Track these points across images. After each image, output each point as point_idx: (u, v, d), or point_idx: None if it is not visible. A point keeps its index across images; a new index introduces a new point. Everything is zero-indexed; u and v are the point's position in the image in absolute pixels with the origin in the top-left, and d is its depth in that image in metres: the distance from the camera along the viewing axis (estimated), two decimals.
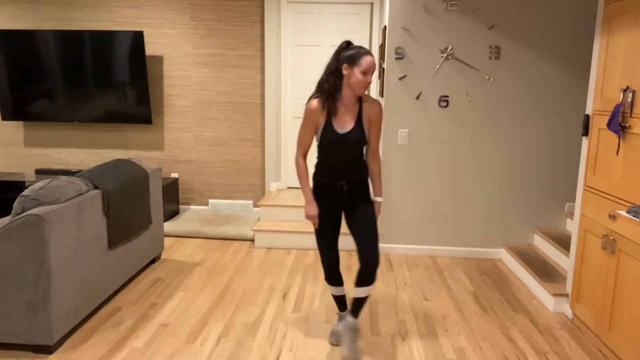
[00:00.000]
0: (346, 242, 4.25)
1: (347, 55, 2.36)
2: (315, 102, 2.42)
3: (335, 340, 2.70)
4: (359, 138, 2.42)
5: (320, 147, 2.48)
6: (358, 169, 2.51)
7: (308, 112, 2.42)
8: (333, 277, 2.60)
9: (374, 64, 2.32)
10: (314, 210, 2.47)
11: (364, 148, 2.54)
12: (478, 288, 3.53)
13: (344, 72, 2.36)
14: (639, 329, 2.34)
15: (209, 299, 3.24)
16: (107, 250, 2.98)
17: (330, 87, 2.41)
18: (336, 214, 2.54)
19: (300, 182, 2.50)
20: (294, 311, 3.09)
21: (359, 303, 2.48)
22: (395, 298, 3.33)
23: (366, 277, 2.40)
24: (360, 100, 2.44)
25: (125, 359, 2.50)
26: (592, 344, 2.77)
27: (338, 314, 2.79)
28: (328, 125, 2.40)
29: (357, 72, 2.31)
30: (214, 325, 2.88)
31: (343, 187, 2.48)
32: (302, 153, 2.50)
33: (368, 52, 2.34)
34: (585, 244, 2.90)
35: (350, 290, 3.21)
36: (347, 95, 2.40)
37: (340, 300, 2.71)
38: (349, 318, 2.49)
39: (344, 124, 2.41)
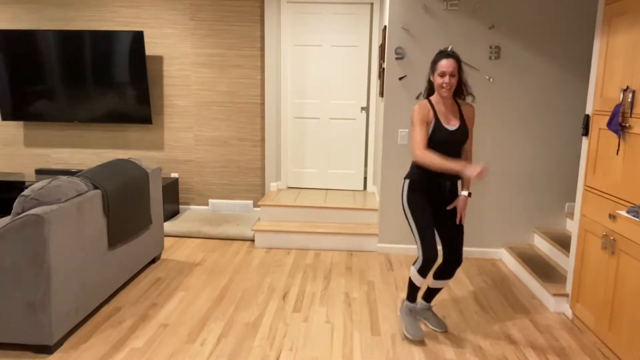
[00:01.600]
0: (346, 242, 4.25)
1: (431, 62, 2.59)
2: (421, 103, 2.61)
3: (416, 334, 2.73)
4: (465, 134, 2.60)
5: (430, 145, 2.58)
6: None
7: (417, 112, 2.56)
8: (429, 270, 2.69)
9: (449, 65, 2.47)
10: (473, 168, 2.32)
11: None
12: (478, 288, 3.53)
13: (431, 78, 2.61)
14: (639, 329, 2.34)
15: (209, 299, 3.24)
16: (107, 250, 2.98)
17: (425, 92, 2.70)
18: (433, 209, 2.69)
19: (443, 165, 2.43)
20: (294, 311, 3.09)
21: (435, 292, 2.86)
22: (395, 298, 3.33)
23: (448, 274, 2.73)
24: (457, 103, 2.64)
25: (125, 359, 2.50)
26: (592, 344, 2.77)
27: (408, 305, 2.84)
28: (437, 123, 2.57)
29: (436, 76, 2.53)
30: (214, 325, 2.88)
31: (447, 186, 2.66)
32: (424, 147, 2.54)
33: (446, 55, 2.50)
34: (585, 244, 2.90)
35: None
36: (442, 98, 2.59)
37: (415, 291, 2.81)
38: (423, 302, 2.91)
39: (450, 122, 2.59)
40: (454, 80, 2.50)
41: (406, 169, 4.08)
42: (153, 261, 3.84)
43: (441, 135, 2.56)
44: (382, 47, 4.45)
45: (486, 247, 4.17)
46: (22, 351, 2.54)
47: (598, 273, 2.73)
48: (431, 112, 2.57)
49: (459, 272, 3.81)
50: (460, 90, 2.61)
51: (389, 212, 4.17)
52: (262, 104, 5.05)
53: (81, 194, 2.75)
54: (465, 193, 2.67)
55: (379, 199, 4.36)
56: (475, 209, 4.11)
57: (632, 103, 2.46)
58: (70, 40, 4.85)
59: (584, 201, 2.93)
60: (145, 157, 5.24)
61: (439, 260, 3.70)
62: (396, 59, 3.94)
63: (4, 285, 2.41)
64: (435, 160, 2.46)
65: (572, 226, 3.63)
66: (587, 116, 2.92)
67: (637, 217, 2.31)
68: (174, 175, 5.25)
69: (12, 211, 2.50)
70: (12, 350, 2.55)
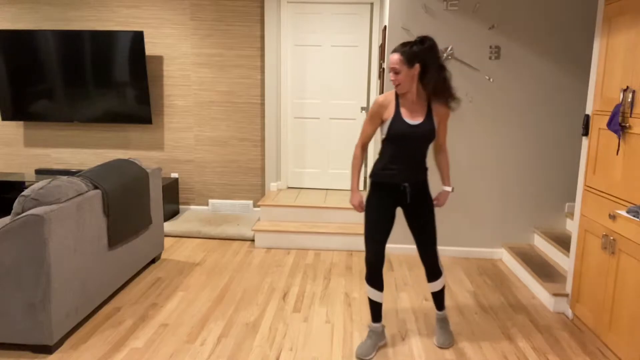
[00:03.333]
0: (346, 242, 4.25)
1: None
2: (387, 93, 2.49)
3: (364, 353, 2.54)
4: (429, 130, 2.42)
5: (389, 140, 2.47)
6: (420, 170, 2.52)
7: (374, 104, 2.47)
8: (375, 276, 2.52)
9: (391, 61, 2.35)
10: (355, 199, 2.57)
11: (429, 147, 2.53)
12: (478, 288, 3.53)
13: None
14: (639, 329, 2.34)
15: (209, 299, 3.24)
16: (107, 250, 2.98)
17: None
18: (393, 211, 2.54)
19: (352, 171, 2.59)
20: (294, 311, 3.09)
21: (437, 296, 2.69)
22: (395, 298, 3.33)
23: (432, 273, 2.64)
24: (429, 98, 2.44)
25: (125, 359, 2.50)
26: (592, 344, 2.77)
27: (370, 326, 2.65)
28: (397, 115, 2.41)
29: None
30: (214, 325, 2.88)
31: (406, 189, 2.50)
32: (362, 144, 2.56)
33: (392, 51, 2.38)
34: (585, 244, 2.90)
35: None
36: (405, 100, 2.44)
37: (376, 309, 2.59)
38: (438, 312, 2.73)
39: (413, 116, 2.42)
40: (400, 77, 2.33)
41: None
42: (153, 261, 3.84)
43: (399, 128, 2.39)
44: (382, 47, 4.45)
45: (486, 247, 4.17)
46: (22, 351, 2.54)
47: (598, 273, 2.73)
48: (392, 105, 2.42)
49: (459, 272, 3.81)
50: (438, 93, 2.38)
51: None
52: (262, 104, 5.05)
53: (81, 194, 2.75)
54: (448, 188, 2.64)
55: None
56: (476, 209, 4.11)
57: (632, 103, 2.46)
58: (70, 40, 4.85)
59: (584, 201, 2.93)
60: (145, 157, 5.24)
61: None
62: None
63: (4, 285, 2.41)
64: (353, 163, 2.57)
65: (572, 226, 3.63)
66: (587, 116, 2.92)
67: (637, 217, 2.31)
68: (174, 175, 5.25)
69: (12, 211, 2.50)
70: (12, 350, 2.55)
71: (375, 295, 2.56)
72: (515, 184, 4.06)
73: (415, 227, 2.59)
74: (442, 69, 2.35)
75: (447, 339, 2.71)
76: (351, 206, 4.43)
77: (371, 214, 2.52)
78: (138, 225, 3.34)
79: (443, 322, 2.74)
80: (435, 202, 2.65)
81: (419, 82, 2.37)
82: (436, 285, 2.66)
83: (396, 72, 2.34)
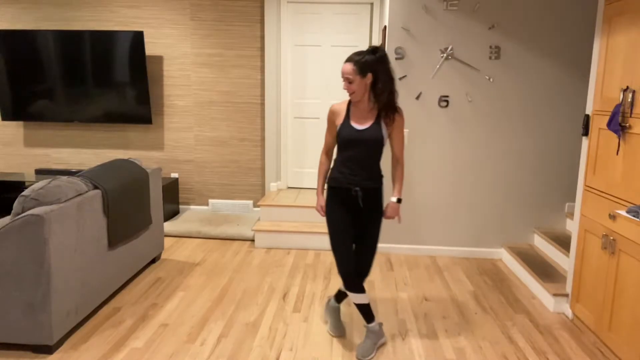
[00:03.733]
0: None
1: None
2: (335, 104, 2.57)
3: (363, 354, 2.55)
4: (376, 135, 2.45)
5: (339, 144, 2.53)
6: (371, 176, 2.52)
7: (329, 111, 2.57)
8: (353, 282, 2.51)
9: (344, 70, 2.39)
10: (317, 203, 2.67)
11: (380, 152, 2.53)
12: (478, 288, 3.53)
13: None
14: (639, 329, 2.34)
15: (209, 299, 3.24)
16: (107, 250, 2.98)
17: None
18: (350, 215, 2.55)
19: (318, 178, 2.70)
20: (294, 311, 3.09)
21: (360, 309, 2.59)
22: (395, 298, 3.33)
23: (352, 285, 2.52)
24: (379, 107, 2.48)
25: (125, 359, 2.50)
26: (592, 344, 2.77)
27: (366, 327, 2.64)
28: (346, 121, 2.49)
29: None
30: (214, 325, 2.88)
31: (357, 193, 2.50)
32: (325, 151, 2.68)
33: (346, 60, 2.41)
34: (585, 244, 2.90)
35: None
36: (357, 107, 2.51)
37: (365, 309, 2.59)
38: (333, 299, 2.81)
39: (361, 122, 2.47)
40: (353, 86, 2.38)
41: (406, 168, 4.08)
42: (153, 261, 3.84)
43: (346, 133, 2.45)
44: None
45: (486, 247, 4.17)
46: (22, 351, 2.54)
47: (598, 273, 2.73)
48: (344, 112, 2.51)
49: (459, 272, 3.81)
50: (389, 103, 2.44)
51: None
52: (262, 104, 5.05)
53: (81, 194, 2.75)
54: (394, 199, 2.57)
55: None
56: (476, 209, 4.11)
57: (632, 103, 2.46)
58: (70, 40, 4.85)
59: (584, 201, 2.93)
60: (145, 157, 5.24)
61: None
62: (396, 59, 3.94)
63: (4, 285, 2.41)
64: (318, 169, 2.67)
65: (572, 226, 3.63)
66: (587, 116, 2.92)
67: (637, 217, 2.31)
68: (174, 175, 5.25)
69: (12, 211, 2.50)
70: (12, 350, 2.55)
71: (359, 298, 2.53)
72: (515, 184, 4.06)
73: (360, 234, 2.56)
74: (391, 80, 2.41)
75: (366, 351, 2.55)
76: None
77: (330, 219, 2.54)
78: (138, 225, 3.34)
79: (369, 335, 2.61)
80: (384, 214, 2.60)
81: (371, 90, 2.44)
82: (356, 299, 2.54)
83: (350, 82, 2.39)
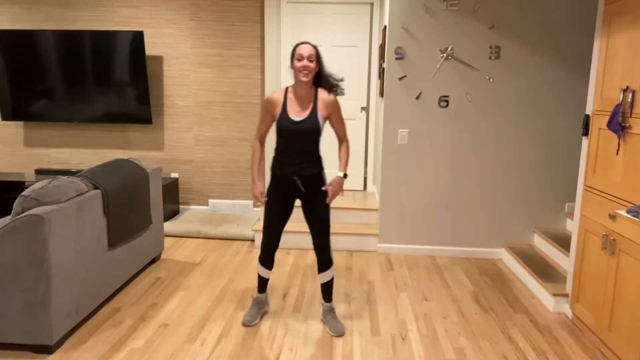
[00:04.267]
0: (346, 242, 4.25)
1: (291, 52, 2.63)
2: (272, 94, 2.69)
3: (249, 320, 2.87)
4: (313, 126, 2.60)
5: (277, 135, 2.67)
6: (310, 163, 2.68)
7: (265, 100, 2.69)
8: (268, 259, 2.85)
9: (307, 49, 2.54)
10: (256, 189, 2.74)
11: (318, 141, 2.69)
12: (478, 288, 3.53)
13: (290, 68, 2.63)
14: (639, 329, 2.34)
15: (209, 299, 3.24)
16: (107, 250, 2.98)
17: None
18: (286, 205, 2.75)
19: (251, 164, 2.77)
20: (294, 311, 3.09)
21: (326, 287, 2.88)
22: (395, 298, 3.33)
23: (323, 264, 2.79)
24: (316, 93, 2.66)
25: (125, 359, 2.50)
26: (592, 344, 2.77)
27: (253, 297, 2.98)
28: (283, 112, 2.62)
29: (295, 62, 2.56)
30: (214, 325, 2.88)
31: (296, 181, 2.68)
32: (259, 138, 2.79)
33: (305, 42, 2.59)
34: (585, 244, 2.90)
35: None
36: (298, 87, 2.63)
37: (263, 283, 2.94)
38: (325, 303, 2.90)
39: (298, 112, 2.62)
40: (313, 65, 2.55)
41: (406, 169, 4.09)
42: (153, 261, 3.84)
43: (284, 125, 2.60)
44: (382, 47, 4.45)
45: (486, 247, 4.17)
46: (22, 351, 2.54)
47: (598, 273, 2.73)
48: (281, 102, 2.63)
49: (459, 272, 3.81)
50: (326, 83, 2.65)
51: (389, 212, 4.17)
52: None
53: (81, 194, 2.75)
54: (340, 174, 2.70)
55: (379, 199, 4.36)
56: (475, 208, 4.11)
57: (632, 103, 2.46)
58: (70, 40, 4.85)
59: (584, 201, 2.93)
60: (145, 157, 5.24)
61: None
62: (396, 59, 3.94)
63: (4, 285, 2.41)
64: (253, 156, 2.76)
65: (572, 226, 3.63)
66: (587, 116, 2.92)
67: (637, 217, 2.31)
68: (174, 175, 5.25)
69: (12, 211, 2.50)
70: (12, 350, 2.55)
71: (265, 273, 2.90)
72: (515, 184, 4.06)
73: (309, 217, 2.75)
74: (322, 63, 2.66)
75: (340, 326, 2.81)
76: (354, 207, 4.43)
77: (268, 203, 2.74)
78: (138, 225, 3.34)
79: (331, 313, 2.89)
80: (329, 188, 2.68)
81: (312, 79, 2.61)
82: (325, 276, 2.84)
83: (310, 60, 2.55)
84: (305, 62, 2.54)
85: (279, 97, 2.65)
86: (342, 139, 2.76)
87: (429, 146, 4.04)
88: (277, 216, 2.74)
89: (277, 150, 2.71)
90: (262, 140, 2.79)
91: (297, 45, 2.59)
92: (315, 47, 2.59)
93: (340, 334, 2.78)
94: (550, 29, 3.83)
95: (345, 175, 2.71)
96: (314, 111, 2.61)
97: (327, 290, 2.89)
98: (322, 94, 2.65)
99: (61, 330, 2.55)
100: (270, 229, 2.77)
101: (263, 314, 3.01)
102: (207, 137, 5.15)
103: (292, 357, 2.56)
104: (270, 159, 2.91)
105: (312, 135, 2.62)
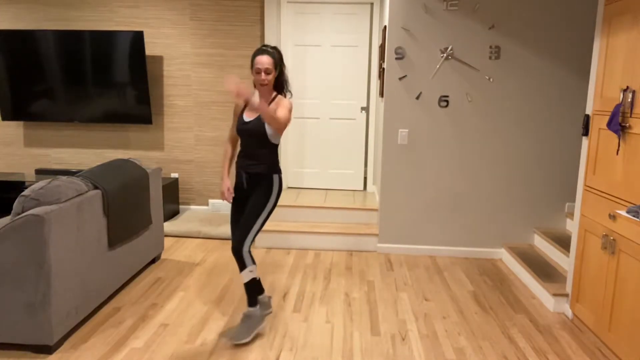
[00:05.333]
0: (346, 242, 4.25)
1: (251, 57, 2.69)
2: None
3: (239, 338, 2.66)
4: (257, 128, 2.64)
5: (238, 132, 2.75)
6: (257, 162, 2.71)
7: (235, 103, 2.80)
8: (236, 260, 2.68)
9: (264, 62, 2.58)
10: (223, 186, 2.79)
11: (265, 142, 2.68)
12: (478, 288, 3.53)
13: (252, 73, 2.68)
14: (639, 329, 2.34)
15: (209, 299, 3.24)
16: (107, 250, 2.98)
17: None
18: (240, 199, 2.80)
19: (222, 163, 2.94)
20: (294, 311, 3.09)
21: (245, 289, 2.72)
22: (395, 298, 3.33)
23: (238, 263, 2.65)
24: (274, 97, 2.72)
25: (125, 359, 2.50)
26: (592, 344, 2.77)
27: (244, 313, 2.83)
28: (241, 113, 2.73)
29: (253, 71, 2.63)
30: (214, 325, 2.88)
31: (242, 175, 2.76)
32: (229, 137, 2.89)
33: (262, 52, 2.60)
34: (585, 244, 2.90)
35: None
36: (259, 92, 2.70)
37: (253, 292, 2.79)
38: (248, 306, 2.75)
39: (252, 115, 2.69)
40: (270, 77, 2.61)
41: (406, 168, 4.09)
42: (153, 261, 3.84)
43: (239, 124, 2.71)
44: (382, 47, 4.45)
45: (486, 247, 4.17)
46: (22, 351, 2.54)
47: (598, 273, 2.73)
48: (243, 105, 2.74)
49: (459, 272, 3.81)
50: (281, 87, 2.75)
51: (389, 212, 4.17)
52: None
53: (81, 194, 2.75)
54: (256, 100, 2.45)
55: (379, 199, 4.36)
56: (475, 208, 4.11)
57: (632, 103, 2.47)
58: (70, 40, 4.85)
59: (584, 201, 2.93)
60: (145, 157, 5.24)
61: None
62: (396, 59, 3.94)
63: (4, 285, 2.41)
64: (223, 154, 2.84)
65: (572, 226, 3.63)
66: (587, 116, 2.92)
67: (637, 217, 2.31)
68: (174, 175, 5.25)
69: (12, 211, 2.50)
70: (12, 350, 2.55)
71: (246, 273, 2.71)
72: (515, 184, 4.06)
73: (242, 212, 2.77)
74: (282, 67, 2.74)
75: (242, 334, 2.64)
76: (354, 207, 4.43)
77: (232, 204, 2.82)
78: (138, 225, 3.34)
79: (248, 319, 2.71)
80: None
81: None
82: (243, 277, 2.67)
83: (268, 73, 2.60)
84: (262, 76, 2.60)
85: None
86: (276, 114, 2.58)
87: (429, 146, 4.04)
88: (236, 209, 2.80)
89: (240, 147, 2.82)
90: (232, 139, 2.88)
91: (257, 53, 2.60)
92: (272, 54, 2.60)
93: (238, 342, 2.62)
94: (550, 29, 3.83)
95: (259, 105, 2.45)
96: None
97: (246, 290, 2.72)
98: (279, 98, 2.70)
99: (61, 330, 2.55)
100: (231, 225, 2.82)
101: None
102: (207, 137, 5.15)
103: (292, 357, 2.56)
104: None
105: (257, 135, 2.65)
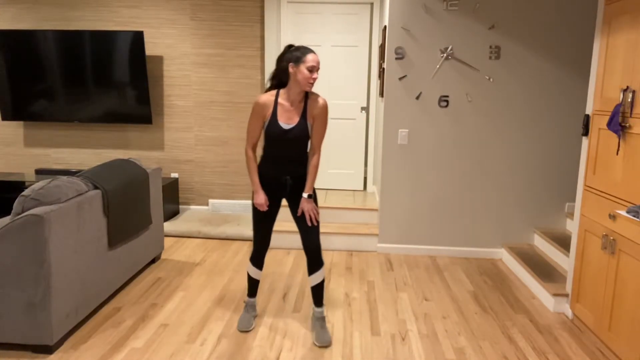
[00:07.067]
0: (346, 242, 4.25)
1: (293, 54, 2.51)
2: (267, 93, 2.60)
3: (245, 325, 2.83)
4: (302, 133, 2.59)
5: (266, 140, 2.63)
6: (301, 164, 2.68)
7: (256, 104, 2.57)
8: (260, 259, 2.84)
9: (318, 61, 2.51)
10: (260, 198, 2.65)
11: (308, 143, 2.68)
12: (478, 288, 3.53)
13: (290, 70, 2.51)
14: (639, 329, 2.34)
15: (209, 299, 3.24)
16: (107, 250, 2.98)
17: (272, 83, 2.64)
18: (276, 204, 2.75)
19: (249, 173, 2.68)
20: (294, 311, 3.09)
21: (317, 290, 2.75)
22: (395, 298, 3.33)
23: (314, 264, 2.69)
24: (306, 97, 2.61)
25: (125, 359, 2.50)
26: (592, 344, 2.77)
27: (246, 301, 2.96)
28: (273, 119, 2.56)
29: (303, 69, 2.47)
30: (214, 325, 2.88)
31: (287, 181, 2.68)
32: (251, 145, 2.66)
33: (312, 51, 2.52)
34: (585, 244, 2.90)
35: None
36: (293, 92, 2.55)
37: (254, 284, 2.91)
38: (316, 308, 2.79)
39: (288, 119, 2.57)
40: (317, 76, 2.54)
41: (406, 169, 4.08)
42: (153, 261, 3.84)
43: (274, 132, 2.56)
44: (382, 47, 4.45)
45: (486, 247, 4.17)
46: (22, 351, 2.54)
47: (598, 273, 2.73)
48: (271, 107, 2.56)
49: (459, 272, 3.81)
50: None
51: (389, 212, 4.17)
52: None
53: (81, 194, 2.75)
54: (305, 195, 2.63)
55: (379, 199, 4.36)
56: (475, 208, 4.11)
57: (632, 103, 2.46)
58: (70, 40, 4.85)
59: (584, 201, 2.93)
60: (145, 157, 5.24)
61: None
62: (396, 59, 3.94)
63: (4, 285, 2.41)
64: (248, 165, 2.66)
65: (572, 226, 3.63)
66: (587, 116, 2.92)
67: (637, 217, 2.31)
68: (174, 175, 5.25)
69: (12, 211, 2.50)
70: (12, 350, 2.55)
71: (255, 273, 2.87)
72: (515, 184, 4.06)
73: (300, 219, 2.69)
74: None
75: (327, 336, 2.70)
76: (354, 207, 4.43)
77: (258, 207, 2.70)
78: (138, 225, 3.34)
79: (320, 322, 2.77)
80: (302, 210, 2.65)
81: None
82: (316, 278, 2.71)
83: (317, 71, 2.52)
84: (315, 75, 2.50)
85: (270, 100, 2.56)
86: (316, 148, 2.65)
87: (429, 146, 4.05)
88: (269, 216, 2.73)
89: (266, 152, 2.66)
90: (254, 147, 2.67)
91: (306, 52, 2.48)
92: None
93: (326, 345, 2.66)
94: (550, 29, 3.83)
95: (309, 196, 2.63)
96: (303, 117, 2.58)
97: (318, 293, 2.75)
98: (312, 98, 2.60)
99: (61, 330, 2.55)
100: (262, 230, 2.75)
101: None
102: (207, 137, 5.15)
103: (291, 357, 2.56)
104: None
105: (300, 141, 2.60)
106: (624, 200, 2.52)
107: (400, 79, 3.97)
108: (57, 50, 4.88)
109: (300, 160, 2.66)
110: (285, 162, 2.64)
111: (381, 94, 4.35)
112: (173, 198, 5.05)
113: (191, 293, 3.32)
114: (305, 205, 2.63)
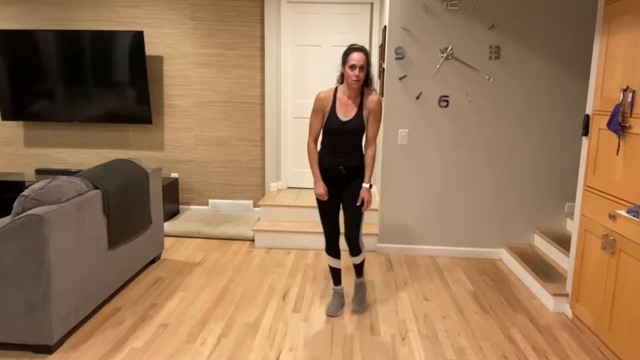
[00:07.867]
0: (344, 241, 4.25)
1: (343, 55, 2.72)
2: (327, 89, 2.82)
3: (332, 311, 3.03)
4: (359, 125, 2.77)
5: (324, 131, 2.82)
6: (354, 156, 2.84)
7: (317, 99, 2.79)
8: (333, 249, 2.99)
9: (359, 59, 2.64)
10: (320, 188, 2.84)
11: (363, 136, 2.85)
12: (478, 288, 3.53)
13: (341, 69, 2.76)
14: (639, 329, 2.34)
15: (209, 299, 3.24)
16: (107, 250, 2.98)
17: (338, 81, 2.85)
18: (337, 194, 2.90)
19: (310, 164, 2.88)
20: (294, 311, 3.09)
21: (357, 267, 3.05)
22: (396, 298, 3.33)
23: (353, 250, 2.95)
24: (362, 93, 2.79)
25: (125, 359, 2.50)
26: (592, 344, 2.77)
27: (333, 289, 3.13)
28: (332, 112, 2.77)
29: (347, 68, 2.68)
30: (214, 325, 2.88)
31: (341, 171, 2.84)
32: (313, 138, 2.86)
33: (357, 49, 2.67)
34: (585, 244, 2.90)
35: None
36: (349, 88, 2.75)
37: (335, 273, 3.08)
38: (356, 278, 3.09)
39: (346, 112, 2.76)
40: (363, 74, 2.67)
41: (406, 168, 4.08)
42: (153, 261, 3.84)
43: (332, 124, 2.76)
44: (382, 47, 4.45)
45: (486, 247, 4.17)
46: (22, 351, 2.54)
47: (598, 273, 2.73)
48: (330, 101, 2.77)
49: (459, 272, 3.81)
50: (368, 82, 2.80)
51: (389, 212, 4.17)
52: (262, 104, 5.05)
53: (81, 194, 2.75)
54: (366, 185, 2.84)
55: (379, 199, 4.36)
56: (475, 208, 4.11)
57: (632, 103, 2.46)
58: (70, 40, 4.85)
59: (584, 201, 2.93)
60: (145, 157, 5.24)
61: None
62: (396, 59, 3.94)
63: (4, 285, 2.41)
64: (310, 156, 2.86)
65: (572, 226, 3.63)
66: (587, 116, 2.92)
67: (637, 217, 2.31)
68: (174, 175, 5.25)
69: (12, 211, 2.50)
70: (12, 350, 2.55)
71: (334, 262, 3.03)
72: (515, 184, 4.06)
73: (347, 206, 2.87)
74: (370, 66, 2.79)
75: (362, 304, 3.08)
76: None
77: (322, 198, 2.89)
78: (138, 225, 3.34)
79: (359, 287, 3.11)
80: (361, 199, 2.86)
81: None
82: (356, 260, 3.00)
83: (362, 69, 2.66)
84: (357, 72, 2.64)
85: (329, 96, 2.78)
86: (371, 141, 2.86)
87: (429, 146, 4.04)
88: (332, 206, 2.90)
89: (324, 143, 2.86)
90: (316, 140, 2.87)
91: (350, 50, 2.66)
92: (365, 52, 2.66)
93: (359, 311, 3.03)
94: (550, 29, 3.83)
95: (370, 186, 2.84)
96: (360, 111, 2.77)
97: (358, 269, 3.06)
98: (368, 93, 2.79)
99: (61, 330, 2.55)
100: (328, 223, 2.93)
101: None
102: (207, 137, 5.15)
103: (292, 357, 2.56)
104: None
105: (356, 133, 2.78)
106: (624, 200, 2.52)
107: (400, 79, 3.97)
108: (57, 50, 4.88)
109: (354, 152, 2.83)
110: (340, 153, 2.81)
111: (381, 94, 4.35)
112: (173, 198, 5.05)
113: (191, 293, 3.32)
114: (365, 195, 2.83)
